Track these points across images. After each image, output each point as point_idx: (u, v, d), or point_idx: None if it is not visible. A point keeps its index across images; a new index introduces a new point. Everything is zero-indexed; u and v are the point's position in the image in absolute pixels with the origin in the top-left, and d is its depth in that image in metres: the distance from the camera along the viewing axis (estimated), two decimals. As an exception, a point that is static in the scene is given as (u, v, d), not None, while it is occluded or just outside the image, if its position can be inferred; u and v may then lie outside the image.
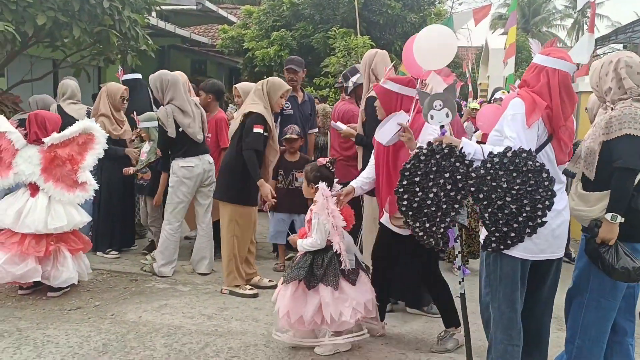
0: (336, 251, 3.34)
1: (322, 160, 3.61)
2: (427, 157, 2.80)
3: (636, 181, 2.77)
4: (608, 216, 2.75)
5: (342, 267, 3.33)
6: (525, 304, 2.90)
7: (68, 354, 3.39)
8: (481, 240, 2.79)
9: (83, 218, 4.45)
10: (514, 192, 2.59)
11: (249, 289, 4.56)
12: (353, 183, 3.69)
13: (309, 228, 3.51)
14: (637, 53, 3.08)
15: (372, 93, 4.22)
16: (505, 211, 2.62)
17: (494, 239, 2.67)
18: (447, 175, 2.76)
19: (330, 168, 3.58)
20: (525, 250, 2.69)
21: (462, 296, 3.06)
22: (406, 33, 11.28)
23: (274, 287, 4.63)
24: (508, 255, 2.72)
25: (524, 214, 2.60)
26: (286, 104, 5.22)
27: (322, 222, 3.36)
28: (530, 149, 2.60)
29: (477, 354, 3.36)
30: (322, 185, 3.38)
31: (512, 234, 2.63)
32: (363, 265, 3.61)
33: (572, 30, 37.53)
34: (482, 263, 2.88)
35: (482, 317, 3.01)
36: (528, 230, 2.62)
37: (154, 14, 9.82)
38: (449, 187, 2.77)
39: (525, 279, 2.79)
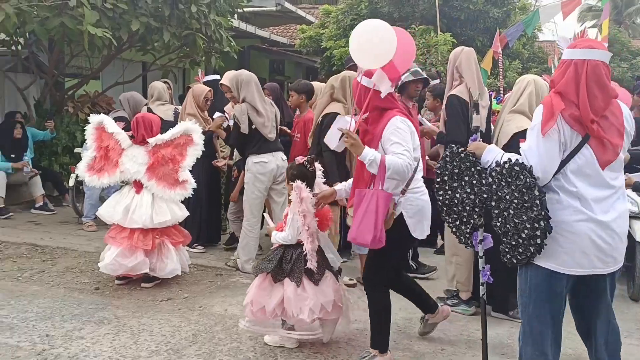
0: (304, 250, 3.39)
1: (299, 159, 3.59)
2: (451, 159, 2.91)
3: None
4: None
5: (307, 266, 3.38)
6: (582, 321, 2.71)
7: (161, 342, 3.58)
8: None
9: (183, 213, 4.72)
10: (514, 205, 2.49)
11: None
12: (338, 185, 3.58)
13: (285, 222, 3.56)
14: None
15: (454, 91, 4.16)
16: (511, 224, 2.52)
17: (507, 249, 2.57)
18: (466, 178, 2.85)
19: (308, 167, 3.54)
20: (559, 263, 2.47)
21: (482, 298, 2.96)
22: (488, 28, 11.00)
23: (354, 285, 4.69)
24: (538, 266, 2.52)
25: (525, 231, 2.46)
26: None
27: (296, 218, 3.40)
28: (522, 162, 2.47)
29: None
30: (297, 183, 3.38)
31: (520, 249, 2.51)
32: (335, 268, 3.58)
33: (670, 21, 34.99)
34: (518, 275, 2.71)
35: None
36: (531, 249, 2.46)
37: (235, 16, 10.14)
38: (468, 190, 2.84)
39: (564, 293, 2.56)
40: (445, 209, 2.98)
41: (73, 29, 6.10)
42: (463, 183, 2.85)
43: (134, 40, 7.43)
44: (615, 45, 18.68)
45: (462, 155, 2.84)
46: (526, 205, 2.44)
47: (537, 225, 2.42)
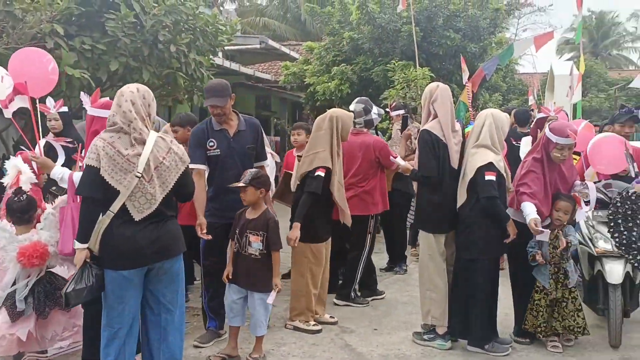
0: None
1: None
2: (622, 203, 3.67)
3: None
4: None
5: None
6: None
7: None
8: None
9: None
10: None
11: (313, 325, 4.54)
12: None
13: None
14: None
15: (427, 126, 4.22)
16: None
17: None
18: None
19: (15, 199, 3.50)
20: None
21: None
22: (467, 63, 11.21)
23: (335, 323, 4.65)
24: None
25: None
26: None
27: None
28: None
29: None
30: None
31: None
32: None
33: (645, 53, 35.88)
34: None
35: None
36: None
37: (220, 54, 10.25)
38: None
39: None
40: (624, 248, 3.63)
41: (51, 70, 6.13)
42: (638, 221, 3.61)
43: (114, 80, 7.48)
44: (593, 77, 19.12)
45: (633, 197, 3.61)
46: None
47: None
